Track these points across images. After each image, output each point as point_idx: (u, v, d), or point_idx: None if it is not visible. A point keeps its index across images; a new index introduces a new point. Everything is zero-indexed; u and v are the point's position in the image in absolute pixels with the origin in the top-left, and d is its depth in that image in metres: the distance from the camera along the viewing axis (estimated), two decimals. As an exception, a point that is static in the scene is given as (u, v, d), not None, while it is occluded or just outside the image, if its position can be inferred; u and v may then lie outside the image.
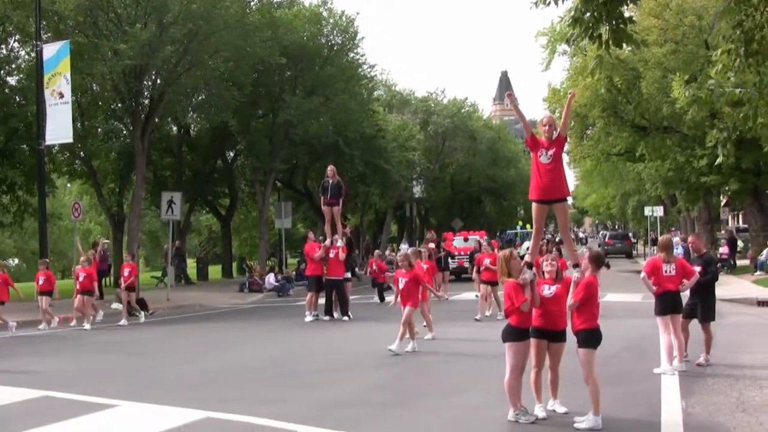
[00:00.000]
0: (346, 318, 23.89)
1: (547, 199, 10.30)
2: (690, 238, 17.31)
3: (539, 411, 10.08)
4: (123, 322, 24.57)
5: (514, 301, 9.87)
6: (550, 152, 10.22)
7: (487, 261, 23.19)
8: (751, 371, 13.54)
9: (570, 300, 9.87)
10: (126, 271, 25.66)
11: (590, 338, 9.92)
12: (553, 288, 10.21)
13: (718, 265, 39.03)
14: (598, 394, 9.68)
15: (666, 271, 13.68)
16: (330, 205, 24.53)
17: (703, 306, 14.49)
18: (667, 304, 13.54)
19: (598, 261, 10.09)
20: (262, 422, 10.26)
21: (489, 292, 23.07)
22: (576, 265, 10.13)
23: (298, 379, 13.70)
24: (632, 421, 9.63)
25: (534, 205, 10.50)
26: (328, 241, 24.35)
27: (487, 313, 22.79)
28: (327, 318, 24.01)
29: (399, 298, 16.96)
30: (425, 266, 28.96)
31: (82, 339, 21.33)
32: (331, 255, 23.84)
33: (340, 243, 24.38)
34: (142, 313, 25.99)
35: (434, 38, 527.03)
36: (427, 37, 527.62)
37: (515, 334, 9.97)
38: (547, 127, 10.42)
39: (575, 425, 9.64)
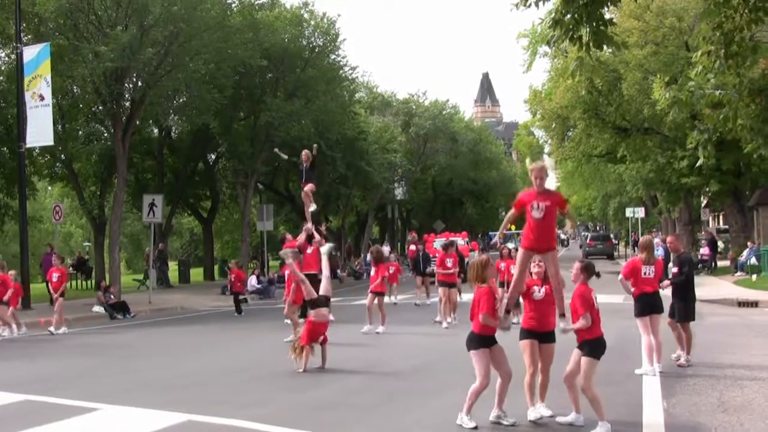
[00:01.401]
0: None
1: (536, 248, 10.19)
2: (669, 239, 17.40)
3: (532, 413, 10.05)
4: (53, 329, 23.03)
5: (479, 309, 9.91)
6: (543, 205, 9.97)
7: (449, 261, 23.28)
8: (731, 372, 13.59)
9: (579, 322, 9.82)
10: (55, 276, 24.21)
11: (596, 348, 9.86)
12: (543, 290, 10.20)
13: (699, 266, 39.69)
14: (599, 399, 9.68)
15: (645, 273, 13.74)
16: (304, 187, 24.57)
17: (680, 306, 14.65)
18: (645, 305, 13.60)
19: (589, 270, 10.06)
20: (244, 425, 10.21)
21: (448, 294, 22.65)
22: (562, 315, 10.13)
23: (279, 382, 13.67)
24: (614, 422, 9.61)
25: (521, 252, 10.35)
26: (309, 224, 24.29)
27: (449, 320, 22.09)
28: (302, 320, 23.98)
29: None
30: (392, 269, 29.13)
31: (61, 342, 21.23)
32: (308, 251, 23.63)
33: (313, 207, 24.23)
34: (24, 328, 23.55)
35: (415, 40, 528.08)
36: (408, 39, 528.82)
37: (478, 341, 9.94)
38: (538, 180, 10.14)
39: None
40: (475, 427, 9.76)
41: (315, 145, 25.44)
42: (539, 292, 10.17)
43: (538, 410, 10.08)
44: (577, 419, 9.82)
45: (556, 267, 10.12)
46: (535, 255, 10.19)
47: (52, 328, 23.02)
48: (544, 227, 10.11)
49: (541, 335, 10.16)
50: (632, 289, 13.78)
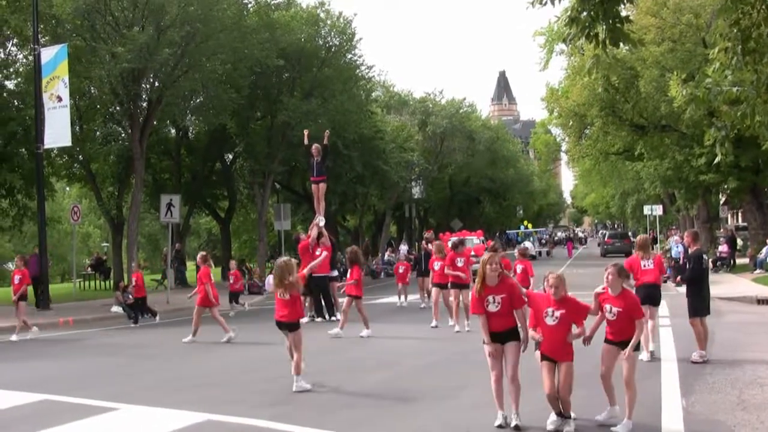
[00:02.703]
0: (333, 318, 23.74)
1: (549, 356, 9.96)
2: (685, 235, 17.51)
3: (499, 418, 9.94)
4: (14, 337, 21.93)
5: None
6: (557, 314, 9.68)
7: (437, 265, 22.06)
8: (751, 369, 13.53)
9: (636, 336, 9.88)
10: (17, 279, 22.97)
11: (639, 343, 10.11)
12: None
13: (718, 263, 39.55)
14: (636, 397, 9.79)
15: (644, 266, 14.90)
16: (317, 183, 24.55)
17: (688, 302, 14.88)
18: (643, 295, 13.87)
19: (621, 273, 10.06)
20: (262, 424, 10.25)
21: (439, 297, 21.83)
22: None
23: (337, 372, 13.84)
24: (633, 421, 9.61)
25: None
26: (317, 219, 24.40)
27: (461, 326, 20.57)
28: (319, 319, 24.12)
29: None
30: (402, 268, 28.88)
31: (80, 342, 21.32)
32: (318, 252, 23.45)
33: (321, 221, 24.34)
34: (34, 328, 22.90)
35: (432, 39, 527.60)
36: (424, 38, 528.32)
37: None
38: (552, 289, 9.77)
39: (612, 429, 9.64)
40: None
41: (327, 132, 25.44)
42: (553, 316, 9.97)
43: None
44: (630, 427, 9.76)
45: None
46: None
47: (14, 336, 22.05)
48: (557, 334, 9.79)
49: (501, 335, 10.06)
50: (633, 282, 14.45)
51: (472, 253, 31.07)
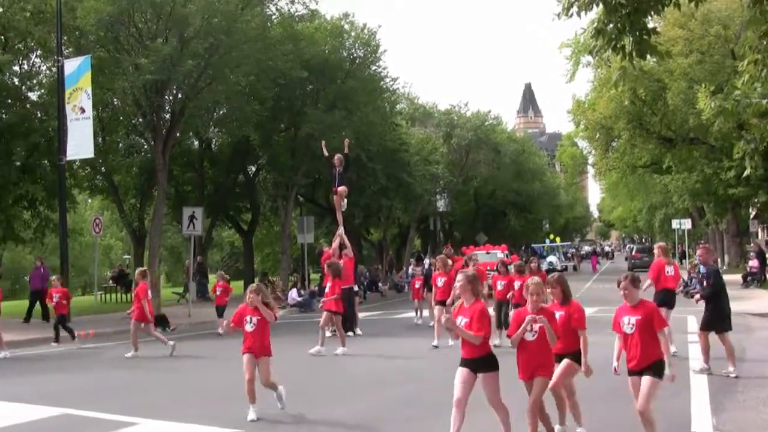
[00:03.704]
0: (350, 333, 23.12)
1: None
2: (698, 250, 17.60)
3: None
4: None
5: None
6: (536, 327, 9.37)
7: (440, 281, 21.47)
8: (782, 387, 13.40)
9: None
10: (55, 297, 23.23)
11: (661, 368, 9.33)
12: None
13: (748, 278, 39.28)
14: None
15: (667, 272, 16.42)
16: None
17: (706, 315, 14.93)
18: (661, 299, 15.67)
19: (636, 282, 9.71)
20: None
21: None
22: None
23: (320, 395, 13.69)
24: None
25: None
26: (339, 229, 24.36)
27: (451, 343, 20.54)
28: (350, 333, 23.26)
29: None
30: (418, 284, 28.18)
31: (99, 355, 21.39)
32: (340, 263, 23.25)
33: (341, 230, 24.32)
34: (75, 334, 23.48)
35: (457, 51, 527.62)
36: (449, 50, 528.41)
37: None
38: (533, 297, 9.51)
39: None
40: None
41: (347, 141, 25.35)
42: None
43: None
44: None
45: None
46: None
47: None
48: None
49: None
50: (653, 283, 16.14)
51: (488, 267, 30.32)
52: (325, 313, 20.16)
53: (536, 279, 9.72)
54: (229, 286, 27.24)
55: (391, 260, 64.70)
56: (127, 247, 73.88)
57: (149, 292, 21.26)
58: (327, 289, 20.76)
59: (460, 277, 9.61)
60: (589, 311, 19.25)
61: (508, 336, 9.74)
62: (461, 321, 9.27)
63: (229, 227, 62.91)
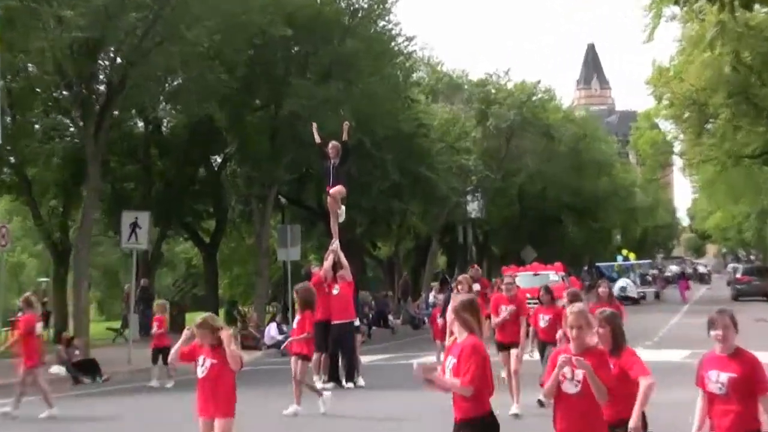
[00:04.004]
0: (350, 385, 23.13)
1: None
2: None
3: None
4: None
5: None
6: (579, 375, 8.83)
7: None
8: None
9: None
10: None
11: None
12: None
13: None
14: None
15: None
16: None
17: None
18: None
19: (735, 323, 9.21)
20: None
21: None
22: None
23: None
24: None
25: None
26: (334, 243, 23.79)
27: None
28: (330, 385, 22.86)
29: None
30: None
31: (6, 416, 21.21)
32: (335, 291, 23.04)
33: (336, 244, 23.75)
34: None
35: (495, 3, 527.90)
36: (485, 2, 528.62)
37: None
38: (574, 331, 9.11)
39: None
40: None
41: (346, 124, 25.05)
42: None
43: None
44: None
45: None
46: None
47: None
48: None
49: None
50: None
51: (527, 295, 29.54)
52: (293, 359, 19.56)
53: (579, 306, 9.34)
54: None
55: (405, 284, 64.49)
56: (45, 266, 73.80)
57: (39, 326, 21.03)
58: (295, 325, 20.49)
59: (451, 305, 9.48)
60: (676, 356, 19.32)
61: (541, 386, 9.54)
62: (450, 362, 8.95)
63: (184, 239, 62.96)
